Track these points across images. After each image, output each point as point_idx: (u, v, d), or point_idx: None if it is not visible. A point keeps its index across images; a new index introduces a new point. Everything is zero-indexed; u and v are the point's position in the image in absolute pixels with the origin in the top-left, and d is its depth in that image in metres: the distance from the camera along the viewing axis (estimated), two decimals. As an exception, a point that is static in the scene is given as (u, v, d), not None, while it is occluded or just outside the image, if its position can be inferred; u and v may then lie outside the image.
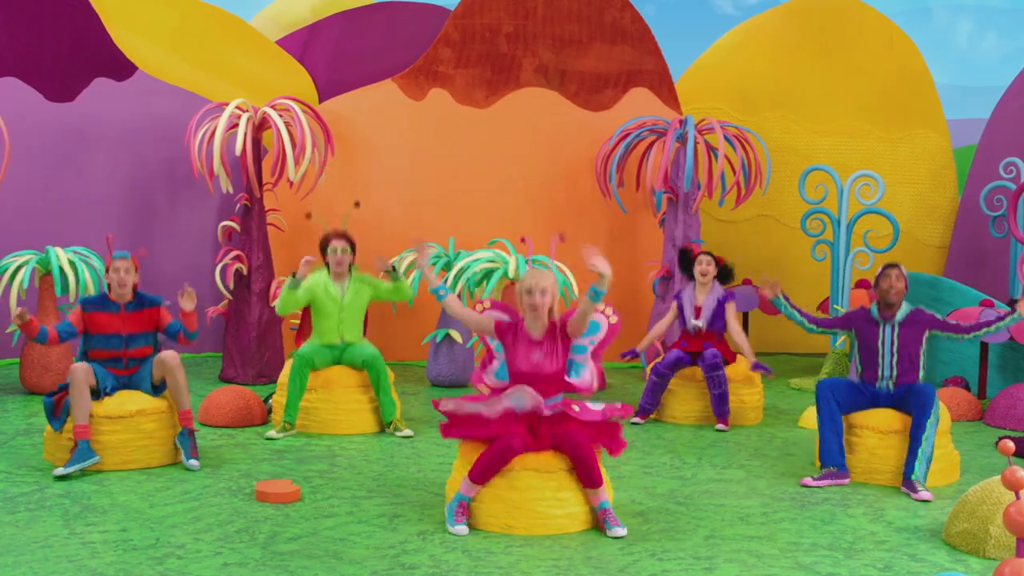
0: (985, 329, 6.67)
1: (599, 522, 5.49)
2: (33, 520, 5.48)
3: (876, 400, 6.71)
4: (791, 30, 12.30)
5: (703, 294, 8.45)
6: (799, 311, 6.95)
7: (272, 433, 7.58)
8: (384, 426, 7.83)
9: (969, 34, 16.44)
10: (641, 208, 11.15)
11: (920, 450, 6.36)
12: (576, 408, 5.53)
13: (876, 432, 6.62)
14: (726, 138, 10.17)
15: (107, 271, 6.78)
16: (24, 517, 5.53)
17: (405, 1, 12.82)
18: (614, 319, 5.73)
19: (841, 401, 6.64)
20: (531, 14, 11.14)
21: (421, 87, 11.17)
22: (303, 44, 12.40)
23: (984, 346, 9.54)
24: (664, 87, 11.36)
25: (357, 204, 8.69)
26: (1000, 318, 6.70)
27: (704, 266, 8.45)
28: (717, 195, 10.56)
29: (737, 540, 5.40)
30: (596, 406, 5.60)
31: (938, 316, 6.68)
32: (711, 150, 10.34)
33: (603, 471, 5.57)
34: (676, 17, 15.58)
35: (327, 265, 7.94)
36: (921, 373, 6.68)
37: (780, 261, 12.06)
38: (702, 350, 8.31)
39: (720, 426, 8.17)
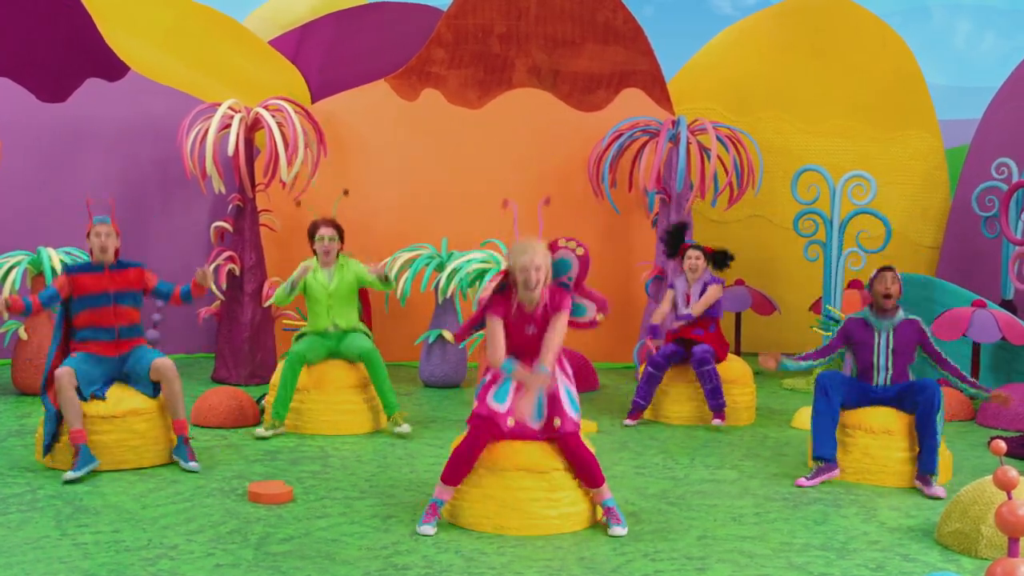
0: (958, 380, 6.71)
1: (603, 519, 5.53)
2: (25, 521, 5.47)
3: (874, 398, 6.72)
4: (784, 30, 12.31)
5: (693, 283, 8.46)
6: (802, 359, 7.00)
7: (260, 431, 7.57)
8: (386, 419, 7.83)
9: (967, 34, 16.48)
10: (634, 209, 11.15)
11: (935, 449, 6.39)
12: (557, 423, 5.52)
13: (869, 432, 6.64)
14: (719, 138, 10.18)
15: (88, 236, 6.70)
16: (16, 518, 5.52)
17: (398, 1, 12.81)
18: (580, 250, 5.77)
19: (840, 395, 6.64)
20: (524, 14, 11.14)
21: (414, 87, 11.17)
22: (296, 44, 12.38)
23: (976, 346, 9.56)
24: (657, 88, 11.37)
25: (346, 192, 8.72)
26: (974, 385, 6.72)
27: (692, 260, 8.44)
28: (710, 196, 10.57)
29: (730, 540, 5.40)
30: (576, 415, 5.59)
31: (930, 336, 6.71)
32: (704, 151, 10.35)
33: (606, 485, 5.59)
34: (675, 17, 15.62)
35: (315, 253, 7.97)
36: (911, 373, 6.72)
37: (772, 262, 12.08)
38: (692, 337, 8.29)
39: (716, 421, 8.14)
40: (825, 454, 6.58)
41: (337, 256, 8.00)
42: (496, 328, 5.57)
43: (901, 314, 6.70)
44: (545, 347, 5.49)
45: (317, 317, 7.94)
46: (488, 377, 5.64)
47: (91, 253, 6.73)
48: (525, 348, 5.57)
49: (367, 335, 8.05)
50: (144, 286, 6.81)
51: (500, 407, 5.49)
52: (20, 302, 6.55)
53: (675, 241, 8.67)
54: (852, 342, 6.79)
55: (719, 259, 8.53)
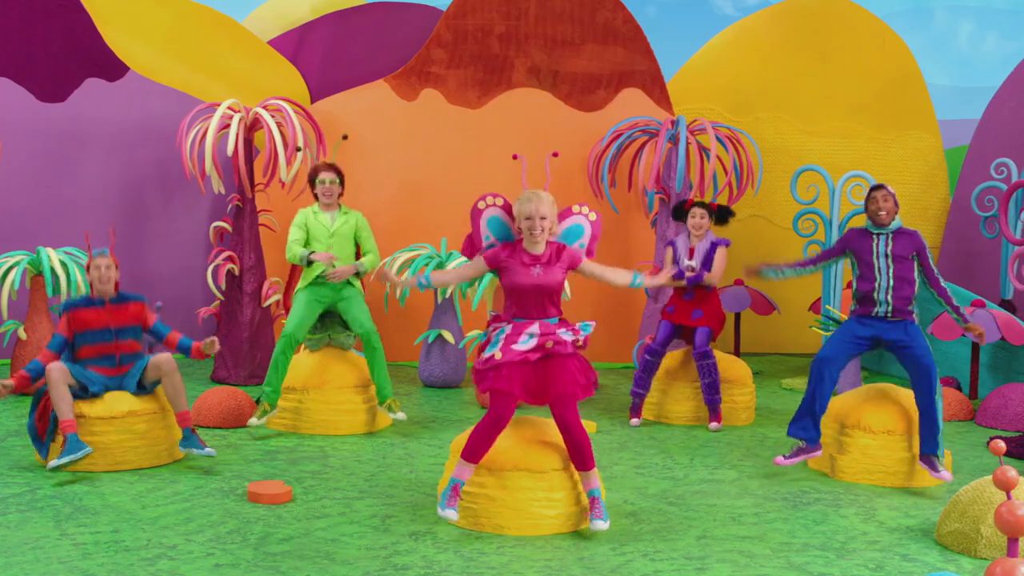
0: (944, 302, 6.65)
1: (587, 510, 5.50)
2: (24, 521, 5.47)
3: (873, 340, 6.64)
4: (783, 31, 12.31)
5: (697, 241, 8.44)
6: (786, 266, 7.00)
7: (253, 420, 7.58)
8: (378, 405, 7.85)
9: (970, 35, 16.47)
10: (633, 208, 11.16)
11: (936, 429, 6.38)
12: (550, 344, 5.51)
13: (868, 432, 6.64)
14: (718, 139, 10.18)
15: (87, 269, 6.75)
16: (15, 518, 5.51)
17: (397, 1, 12.80)
18: (593, 216, 5.88)
19: (838, 369, 6.61)
20: (523, 15, 11.14)
21: (413, 87, 11.17)
22: (295, 44, 12.37)
23: (976, 346, 9.56)
24: (656, 88, 11.37)
25: (345, 137, 8.80)
26: (958, 311, 6.65)
27: (697, 219, 8.41)
28: (709, 195, 10.57)
29: (729, 540, 5.40)
30: (566, 335, 5.59)
31: (927, 251, 6.66)
32: (703, 151, 10.35)
33: (597, 473, 5.58)
34: (676, 18, 15.57)
35: (316, 197, 8.01)
36: (914, 306, 6.64)
37: (771, 261, 12.06)
38: (691, 322, 8.27)
39: (713, 424, 8.15)
40: (799, 434, 6.58)
41: (339, 203, 8.03)
42: (473, 266, 5.77)
43: (899, 222, 6.69)
44: (622, 276, 5.85)
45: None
46: (506, 332, 5.58)
47: (92, 287, 6.75)
48: (531, 288, 5.55)
49: (362, 293, 8.02)
50: (143, 323, 6.84)
51: (526, 347, 5.47)
52: (26, 376, 6.53)
53: (681, 210, 8.65)
54: (851, 248, 6.75)
55: (721, 215, 8.51)
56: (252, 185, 9.89)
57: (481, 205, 5.84)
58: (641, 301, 10.87)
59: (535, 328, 5.53)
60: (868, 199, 6.71)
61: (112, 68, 10.94)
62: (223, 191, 9.96)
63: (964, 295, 9.73)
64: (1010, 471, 4.10)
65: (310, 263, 7.82)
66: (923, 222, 12.47)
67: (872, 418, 6.67)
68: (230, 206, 9.93)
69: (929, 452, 6.42)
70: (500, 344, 5.53)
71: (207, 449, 6.59)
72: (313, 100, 11.39)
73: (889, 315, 6.59)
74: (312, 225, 7.94)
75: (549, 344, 5.49)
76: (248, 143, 9.85)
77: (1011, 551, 4.04)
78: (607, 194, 10.53)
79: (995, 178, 11.02)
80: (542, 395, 5.51)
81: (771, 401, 9.50)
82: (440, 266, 9.82)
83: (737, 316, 11.36)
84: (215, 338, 6.74)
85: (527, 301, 5.55)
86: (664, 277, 5.78)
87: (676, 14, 15.69)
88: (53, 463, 6.22)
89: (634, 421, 8.35)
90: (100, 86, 11.03)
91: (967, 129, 12.71)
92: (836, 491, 6.43)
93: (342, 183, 8.05)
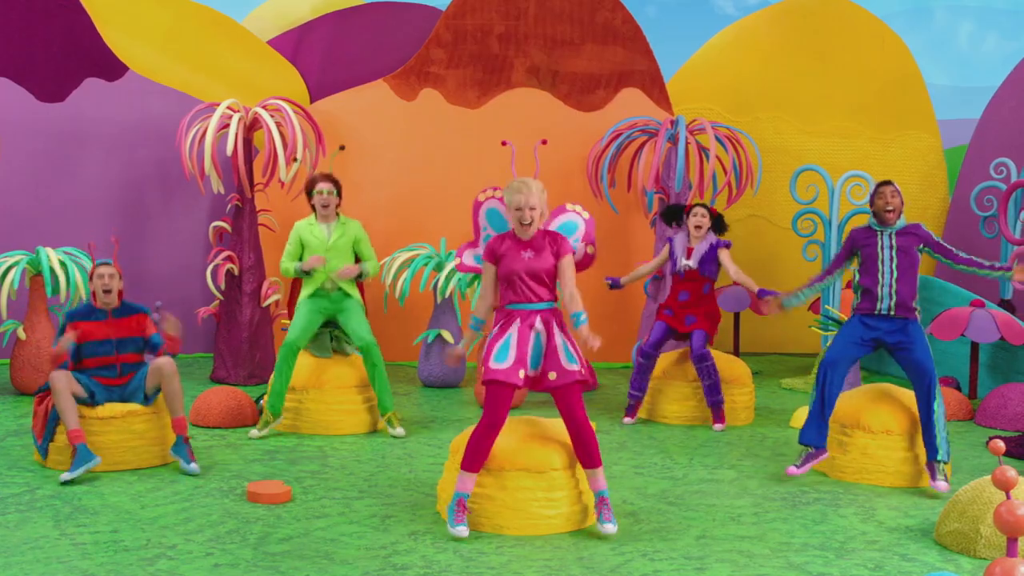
0: (976, 268, 6.60)
1: (595, 511, 5.49)
2: (24, 521, 5.47)
3: (876, 342, 6.64)
4: (783, 31, 12.31)
5: (696, 242, 8.45)
6: (804, 288, 6.99)
7: (254, 432, 7.57)
8: (379, 417, 7.84)
9: (970, 35, 16.48)
10: (632, 208, 11.16)
11: (936, 433, 6.38)
12: (552, 376, 5.50)
13: (868, 432, 6.64)
14: (717, 138, 10.18)
15: (91, 279, 6.75)
16: (15, 518, 5.51)
17: (397, 1, 12.80)
18: (586, 214, 5.91)
19: (844, 372, 6.61)
20: (523, 15, 11.14)
21: (413, 87, 11.17)
22: (295, 44, 12.37)
23: (975, 346, 9.56)
24: (656, 88, 11.37)
25: (342, 147, 8.75)
26: (993, 267, 6.58)
27: (699, 218, 8.42)
28: (708, 195, 10.57)
29: (728, 540, 5.40)
30: (572, 364, 5.57)
31: (935, 236, 6.68)
32: (702, 150, 10.35)
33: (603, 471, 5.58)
34: (677, 18, 15.57)
35: (313, 208, 7.94)
36: (917, 304, 6.64)
37: (771, 261, 12.08)
38: (685, 326, 8.28)
39: (717, 426, 8.15)
40: (811, 441, 6.59)
41: (337, 214, 7.97)
42: (488, 276, 5.67)
43: (904, 221, 6.71)
44: (569, 299, 5.57)
45: (314, 272, 7.90)
46: (493, 336, 5.59)
47: (94, 296, 6.74)
48: (522, 271, 5.54)
49: (361, 305, 8.01)
50: (143, 335, 6.83)
51: (502, 365, 5.46)
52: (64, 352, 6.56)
53: (674, 213, 8.66)
54: (857, 247, 6.76)
55: (718, 224, 8.53)
56: (251, 185, 9.89)
57: (481, 197, 5.89)
58: (640, 301, 10.87)
59: (514, 335, 5.52)
60: (875, 194, 6.70)
61: (112, 68, 10.93)
62: (222, 191, 9.96)
63: (964, 295, 9.74)
64: (1009, 471, 4.10)
65: (306, 273, 7.81)
66: (923, 222, 12.45)
67: (872, 418, 6.67)
68: (229, 206, 9.93)
69: (931, 459, 6.42)
70: (484, 357, 5.57)
71: (192, 465, 6.50)
72: (312, 100, 11.39)
73: (892, 311, 6.59)
74: (308, 238, 7.88)
75: (552, 376, 5.49)
76: (247, 143, 9.85)
77: (1010, 551, 4.04)
78: (606, 194, 10.53)
79: (994, 178, 11.02)
80: (540, 380, 5.52)
81: (771, 401, 9.50)
82: (439, 266, 9.82)
83: (737, 316, 11.36)
84: (169, 315, 6.67)
85: (520, 285, 5.55)
86: (593, 343, 5.68)
87: (676, 14, 15.69)
88: (67, 476, 6.18)
89: (627, 420, 8.36)
90: (100, 86, 11.02)
91: (967, 129, 12.72)
92: (835, 491, 6.43)
93: (339, 194, 7.96)
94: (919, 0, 16.46)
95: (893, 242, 6.62)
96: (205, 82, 10.74)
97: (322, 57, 12.11)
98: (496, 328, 5.59)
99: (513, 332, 5.51)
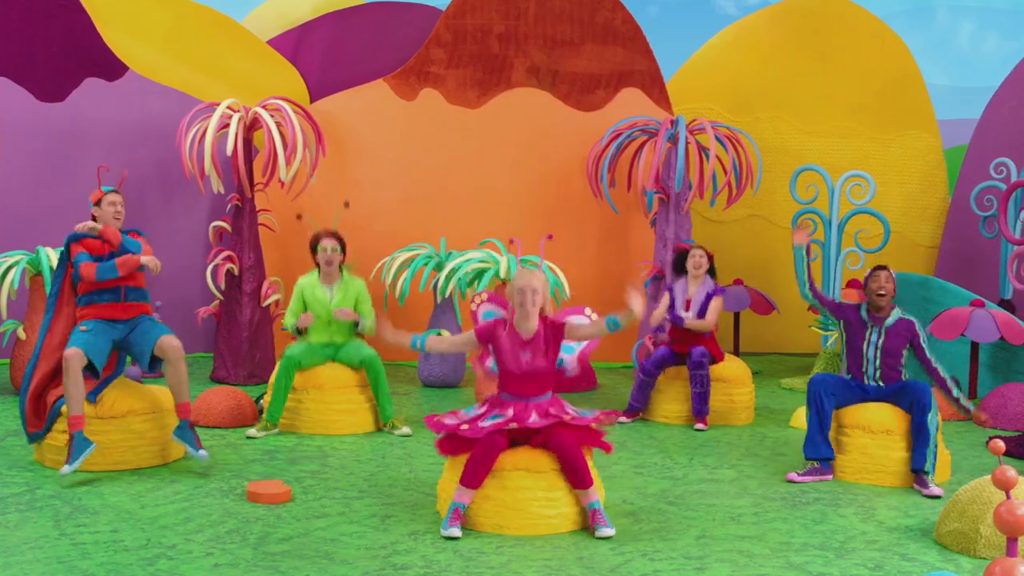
0: (945, 392, 6.67)
1: (588, 521, 5.50)
2: (24, 521, 5.47)
3: (867, 396, 6.76)
4: (783, 31, 12.32)
5: (695, 286, 8.48)
6: (809, 272, 7.03)
7: (253, 432, 7.57)
8: (382, 426, 7.87)
9: (970, 35, 16.50)
10: (632, 208, 11.16)
11: (927, 446, 6.40)
12: (568, 415, 5.56)
13: (867, 432, 6.64)
14: (717, 138, 10.18)
15: (97, 204, 6.58)
16: (15, 518, 5.51)
17: (397, 1, 12.81)
18: (595, 317, 6.04)
19: (833, 396, 6.67)
20: (523, 15, 11.14)
21: (412, 87, 11.17)
22: (295, 44, 12.38)
23: (975, 346, 9.56)
24: (655, 87, 11.37)
25: (347, 204, 8.69)
26: (959, 401, 6.64)
27: (697, 259, 8.49)
28: (708, 195, 10.57)
29: (728, 540, 5.40)
30: (586, 412, 5.68)
31: (923, 339, 6.71)
32: (702, 150, 10.35)
33: (594, 471, 5.58)
34: (677, 18, 15.58)
35: (317, 265, 7.94)
36: (904, 373, 6.73)
37: (771, 261, 12.08)
38: (689, 351, 8.33)
39: (699, 426, 8.20)
40: (817, 456, 6.61)
41: (340, 270, 7.96)
42: (466, 339, 5.75)
43: (897, 313, 6.73)
44: (595, 326, 5.72)
45: (316, 333, 7.93)
46: (481, 411, 5.65)
47: (94, 220, 6.58)
48: (521, 374, 5.59)
49: (360, 340, 8.05)
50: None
51: (491, 424, 5.51)
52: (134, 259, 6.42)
53: (680, 262, 8.70)
54: (844, 319, 6.83)
55: (712, 267, 8.60)
56: (251, 185, 9.89)
57: (473, 306, 6.04)
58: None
59: (510, 413, 5.55)
60: (870, 277, 6.76)
61: (112, 68, 10.93)
62: (222, 191, 9.96)
63: (964, 295, 9.74)
64: (1009, 471, 4.10)
65: (300, 332, 7.88)
66: (922, 222, 12.47)
67: (872, 418, 6.67)
68: (229, 206, 9.93)
69: (918, 468, 6.43)
70: (470, 416, 5.60)
71: (201, 452, 6.39)
72: (312, 100, 11.39)
73: (879, 383, 6.77)
74: (310, 300, 7.89)
75: (512, 426, 5.51)
76: (247, 143, 9.85)
77: (1010, 551, 4.04)
78: (606, 194, 10.53)
79: (994, 178, 11.02)
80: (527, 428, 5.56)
81: (770, 401, 9.50)
82: (439, 266, 9.82)
83: (737, 316, 11.37)
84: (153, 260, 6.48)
85: (519, 385, 5.60)
86: (639, 309, 5.72)
87: (678, 13, 15.71)
88: (67, 469, 6.11)
89: (622, 418, 8.41)
90: (100, 86, 11.02)
91: (967, 129, 12.72)
92: (835, 491, 6.43)
93: (344, 250, 7.94)
94: (919, 0, 16.47)
95: (880, 339, 6.70)
96: (205, 82, 10.74)
97: (322, 57, 12.12)
98: (488, 403, 5.67)
99: (508, 413, 5.57)
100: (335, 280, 7.93)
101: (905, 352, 6.72)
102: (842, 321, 6.86)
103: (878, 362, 6.70)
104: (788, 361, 11.91)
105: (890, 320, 6.70)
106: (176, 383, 6.54)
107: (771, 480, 6.66)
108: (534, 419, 5.50)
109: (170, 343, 6.52)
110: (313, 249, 7.94)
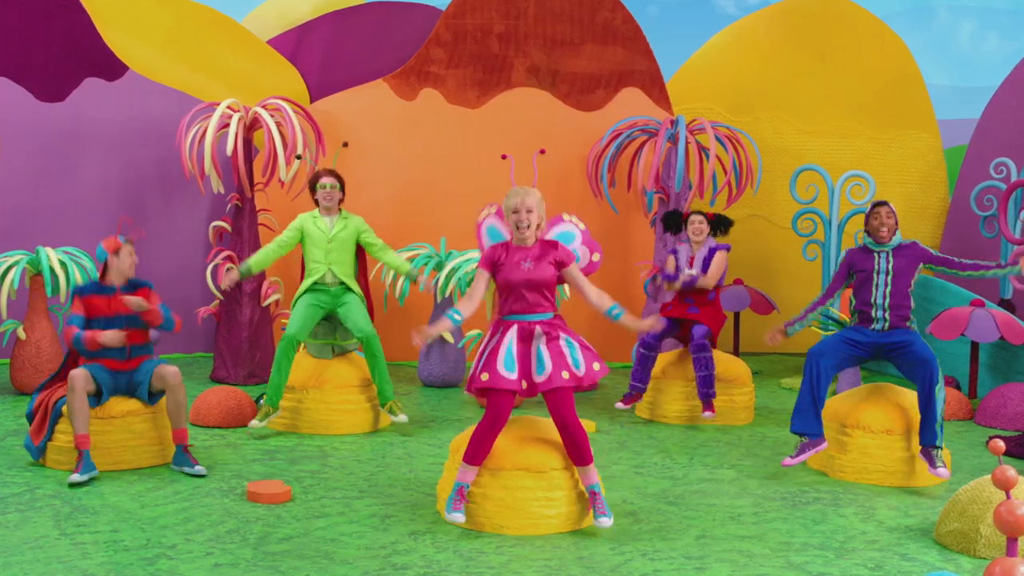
0: (982, 271, 6.67)
1: (588, 506, 5.50)
2: (24, 521, 5.47)
3: (871, 350, 6.70)
4: (783, 30, 12.31)
5: (698, 248, 8.50)
6: (807, 311, 7.06)
7: (254, 422, 7.57)
8: (380, 408, 7.88)
9: (970, 35, 16.49)
10: (632, 208, 11.16)
11: (936, 421, 6.40)
12: (566, 375, 5.45)
13: (867, 432, 6.64)
14: (717, 138, 10.18)
15: (115, 254, 6.61)
16: (15, 518, 5.51)
17: (396, 1, 12.80)
18: (582, 226, 5.94)
19: (830, 370, 6.65)
20: (522, 14, 11.14)
21: (412, 87, 11.17)
22: (295, 44, 12.37)
23: (975, 346, 9.56)
24: (655, 87, 11.37)
25: (345, 144, 8.79)
26: (999, 266, 6.67)
27: (696, 225, 8.51)
28: (708, 195, 10.57)
29: (728, 540, 5.40)
30: (577, 369, 5.53)
31: (933, 251, 6.72)
32: (702, 150, 10.35)
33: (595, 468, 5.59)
34: (677, 18, 15.58)
35: (316, 203, 8.06)
36: (912, 321, 6.67)
37: (771, 261, 12.08)
38: (687, 315, 8.31)
39: (707, 413, 8.16)
40: (804, 429, 6.60)
41: (339, 209, 8.07)
42: (481, 281, 5.66)
43: (899, 238, 6.74)
44: (598, 298, 5.63)
45: (315, 264, 7.94)
46: (492, 343, 5.56)
47: (103, 275, 6.63)
48: (521, 283, 5.53)
49: (362, 299, 8.03)
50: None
51: (511, 375, 5.44)
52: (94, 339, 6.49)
53: (673, 220, 8.70)
54: (854, 271, 6.81)
55: (720, 224, 8.57)
56: (251, 185, 9.89)
57: (480, 217, 5.92)
58: (640, 301, 10.87)
59: (515, 346, 5.49)
60: (871, 214, 6.76)
61: (112, 68, 10.93)
62: (222, 191, 9.96)
63: (964, 295, 9.74)
64: (1009, 470, 4.10)
65: (248, 272, 7.97)
66: (922, 222, 12.47)
67: (871, 417, 6.67)
68: (229, 206, 9.93)
69: (928, 443, 6.42)
70: (483, 362, 5.53)
71: (197, 467, 6.50)
72: (312, 100, 11.39)
73: (886, 329, 6.68)
74: (311, 230, 7.98)
75: (565, 375, 5.43)
76: (247, 143, 9.85)
77: (1010, 550, 4.04)
78: (606, 194, 10.53)
79: (994, 178, 11.01)
80: (535, 387, 5.49)
81: (770, 401, 9.50)
82: (439, 266, 9.82)
83: (737, 316, 11.36)
84: (138, 299, 6.52)
85: (519, 296, 5.54)
86: (647, 324, 5.70)
87: (678, 13, 15.70)
88: (76, 479, 6.15)
89: (619, 404, 8.40)
90: (99, 86, 11.02)
91: (966, 129, 12.71)
92: (835, 491, 6.43)
93: (343, 188, 8.09)
94: (919, 0, 16.47)
95: (890, 262, 6.68)
96: (205, 82, 10.74)
97: (322, 57, 12.11)
98: (494, 337, 5.57)
99: (512, 342, 5.50)
100: (334, 215, 8.05)
101: (914, 282, 6.67)
102: (852, 273, 6.82)
103: (889, 289, 6.64)
104: (788, 361, 11.90)
105: (894, 242, 6.71)
106: (175, 409, 6.60)
107: (771, 480, 6.66)
108: (542, 378, 5.42)
109: (168, 371, 6.61)
110: (312, 187, 8.05)
